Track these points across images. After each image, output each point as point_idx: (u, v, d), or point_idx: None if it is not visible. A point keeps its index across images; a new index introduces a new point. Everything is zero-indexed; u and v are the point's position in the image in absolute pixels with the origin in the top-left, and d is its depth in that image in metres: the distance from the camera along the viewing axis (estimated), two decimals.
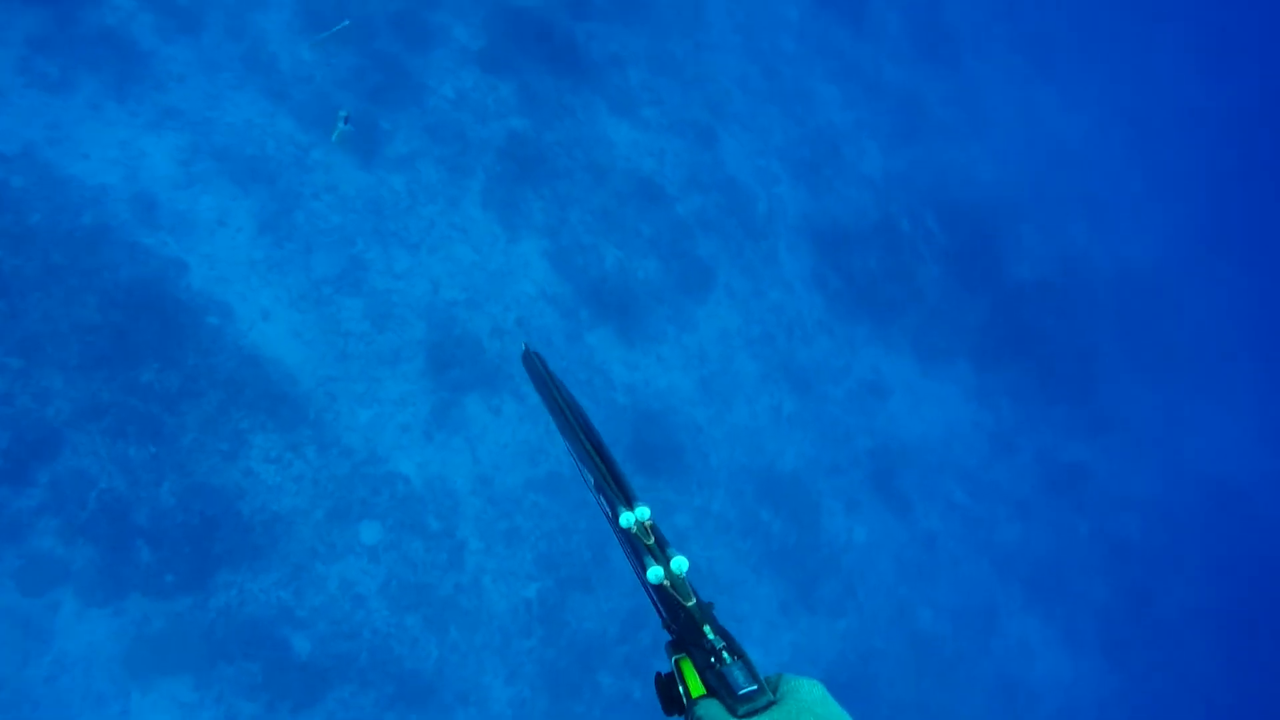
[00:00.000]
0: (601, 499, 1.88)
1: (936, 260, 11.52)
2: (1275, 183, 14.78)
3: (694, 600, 1.59)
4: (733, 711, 1.38)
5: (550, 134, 9.45)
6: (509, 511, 7.95)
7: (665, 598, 1.62)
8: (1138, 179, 14.20)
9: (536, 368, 2.21)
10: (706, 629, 1.53)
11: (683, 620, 1.57)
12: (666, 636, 1.61)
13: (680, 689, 1.48)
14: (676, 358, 9.35)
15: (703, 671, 1.47)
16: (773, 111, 11.55)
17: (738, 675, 1.42)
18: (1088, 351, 12.08)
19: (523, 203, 8.99)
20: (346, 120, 5.53)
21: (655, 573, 1.63)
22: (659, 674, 1.56)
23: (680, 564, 1.66)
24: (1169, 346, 13.10)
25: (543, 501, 8.11)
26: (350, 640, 7.00)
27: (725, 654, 1.47)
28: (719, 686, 1.43)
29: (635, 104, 10.32)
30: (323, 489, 7.27)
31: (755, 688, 1.40)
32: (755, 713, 1.37)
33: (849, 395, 10.37)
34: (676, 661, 1.52)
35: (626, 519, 1.73)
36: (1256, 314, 13.81)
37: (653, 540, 1.70)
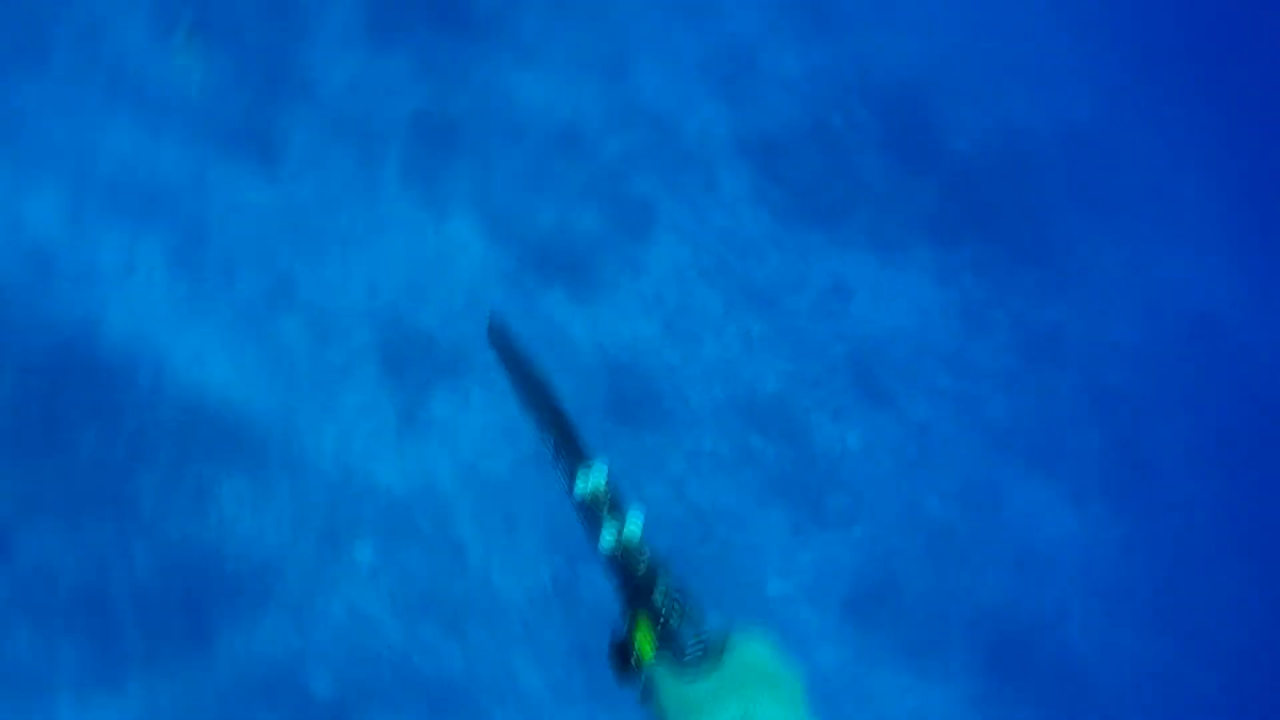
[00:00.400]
0: (560, 463, 1.81)
1: (876, 150, 11.24)
2: (1204, 15, 14.62)
3: (646, 560, 1.58)
4: (679, 669, 1.41)
5: (456, 101, 8.91)
6: (502, 498, 7.70)
7: (617, 562, 1.62)
8: (1063, 33, 13.98)
9: (500, 334, 2.19)
10: (656, 591, 1.54)
11: (636, 583, 1.57)
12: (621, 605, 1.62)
13: (634, 653, 1.50)
14: (635, 305, 9.05)
15: (652, 631, 1.51)
16: (680, 32, 11.04)
17: (684, 634, 1.47)
18: (1041, 212, 11.98)
19: (444, 179, 8.50)
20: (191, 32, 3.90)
21: (607, 536, 1.62)
22: (611, 639, 1.58)
23: (634, 521, 1.64)
24: (1121, 193, 13.06)
25: (533, 480, 7.85)
26: (370, 665, 6.77)
27: (674, 615, 1.50)
28: (667, 646, 1.47)
29: (538, 52, 9.77)
30: (305, 520, 6.94)
31: (701, 645, 1.45)
32: (701, 669, 1.40)
33: (814, 305, 10.18)
34: (630, 625, 1.54)
35: (580, 484, 1.69)
36: (1201, 147, 13.82)
37: (607, 503, 1.66)
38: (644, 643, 1.49)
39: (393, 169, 8.28)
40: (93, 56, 7.38)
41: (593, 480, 1.68)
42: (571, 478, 1.71)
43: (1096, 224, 12.62)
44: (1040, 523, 10.63)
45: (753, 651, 1.42)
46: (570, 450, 1.77)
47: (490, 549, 7.53)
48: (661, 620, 1.50)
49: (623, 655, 1.52)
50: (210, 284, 7.07)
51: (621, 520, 1.63)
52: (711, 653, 1.42)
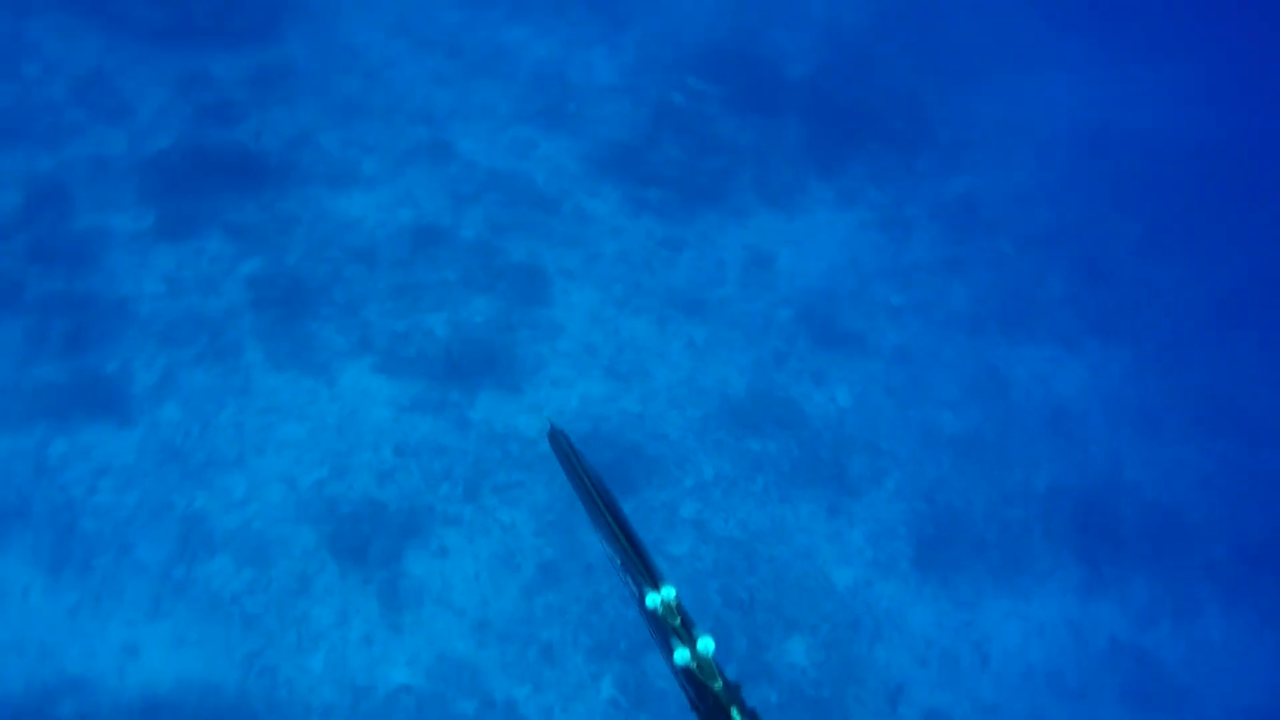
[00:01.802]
0: (628, 579, 1.84)
1: (727, 112, 10.78)
2: None
3: (720, 682, 1.62)
4: None
5: (289, 255, 8.03)
6: (530, 634, 6.75)
7: (692, 680, 1.64)
8: None
9: (561, 446, 2.18)
10: (734, 712, 1.57)
11: (710, 703, 1.60)
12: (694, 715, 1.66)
13: None
14: (568, 370, 8.26)
15: None
16: (483, 85, 10.41)
17: None
18: (904, 95, 11.69)
19: (314, 338, 7.59)
20: None
21: (681, 655, 1.65)
22: None
23: (706, 645, 1.68)
24: (966, 47, 12.94)
25: (552, 599, 6.94)
26: None
27: None
28: None
29: (352, 167, 8.98)
30: None
31: None
32: None
33: (742, 285, 9.56)
34: None
35: (652, 600, 1.73)
36: None
37: (679, 621, 1.71)
38: None
39: (255, 351, 7.34)
40: None
41: (664, 595, 1.68)
42: (641, 592, 1.71)
43: (959, 84, 12.44)
44: (1050, 385, 10.11)
45: None
46: (637, 565, 1.76)
47: (540, 693, 6.56)
48: None
49: None
50: (105, 570, 6.00)
51: (693, 639, 1.64)
52: None
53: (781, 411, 8.64)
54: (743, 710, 1.57)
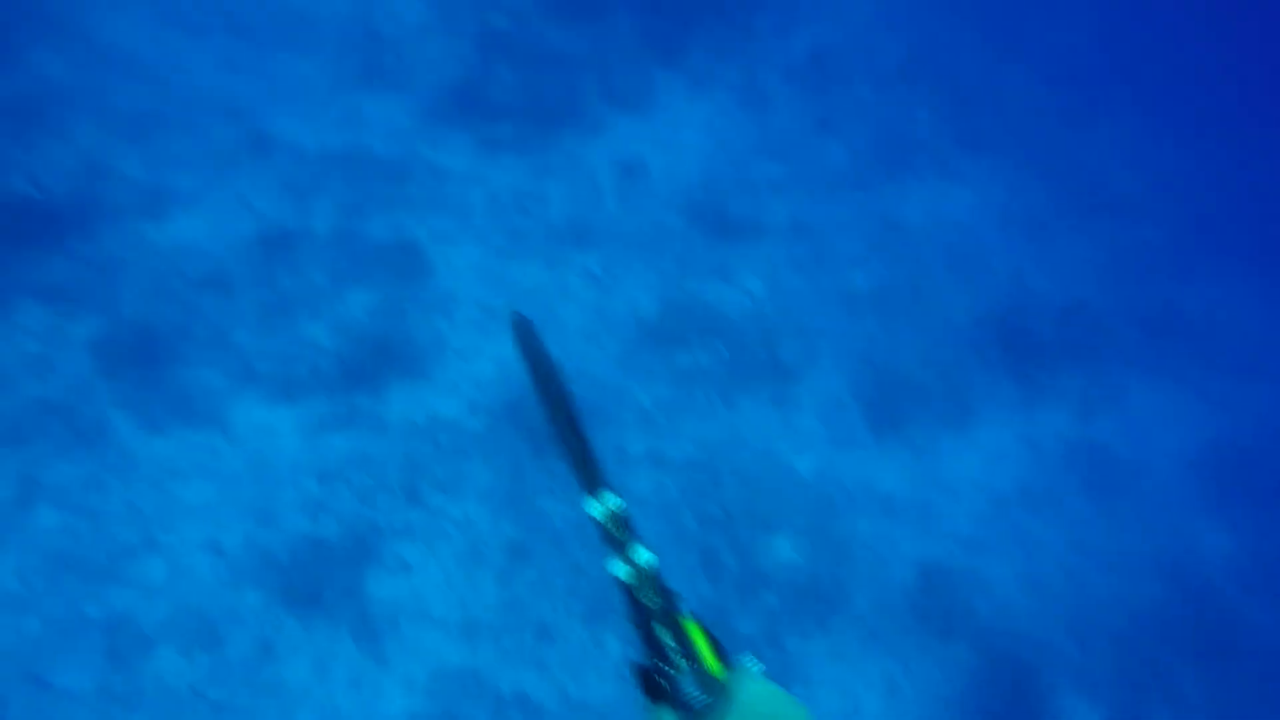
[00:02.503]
0: (576, 479, 1.76)
1: (553, 24, 10.01)
2: None
3: (656, 600, 1.53)
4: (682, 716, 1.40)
5: (125, 304, 7.04)
6: (519, 620, 6.41)
7: (629, 594, 1.58)
8: None
9: (524, 332, 2.08)
10: (661, 630, 1.49)
11: (644, 619, 1.52)
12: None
13: (666, 677, 1.46)
14: (472, 338, 7.73)
15: (655, 675, 1.46)
16: (286, 60, 9.28)
17: (686, 683, 1.43)
18: None
19: (188, 387, 6.74)
20: None
21: (620, 568, 1.58)
22: (635, 666, 1.53)
23: (645, 553, 1.60)
24: None
25: (532, 577, 6.58)
26: None
27: (680, 659, 1.46)
28: (671, 693, 1.42)
29: (165, 187, 7.89)
30: None
31: (704, 696, 1.42)
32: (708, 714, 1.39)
33: (617, 197, 9.10)
34: (656, 648, 1.51)
35: (594, 508, 1.66)
36: None
37: (622, 533, 1.63)
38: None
39: (124, 421, 6.46)
40: None
41: (607, 505, 1.64)
42: (586, 496, 1.69)
43: None
44: (943, 218, 10.14)
45: (759, 693, 1.43)
46: (584, 467, 1.71)
47: (548, 673, 6.28)
48: (665, 660, 1.45)
49: (651, 683, 1.48)
50: (21, 715, 5.24)
51: (634, 551, 1.60)
52: (712, 699, 1.43)
53: (699, 316, 8.34)
54: (674, 631, 1.42)
